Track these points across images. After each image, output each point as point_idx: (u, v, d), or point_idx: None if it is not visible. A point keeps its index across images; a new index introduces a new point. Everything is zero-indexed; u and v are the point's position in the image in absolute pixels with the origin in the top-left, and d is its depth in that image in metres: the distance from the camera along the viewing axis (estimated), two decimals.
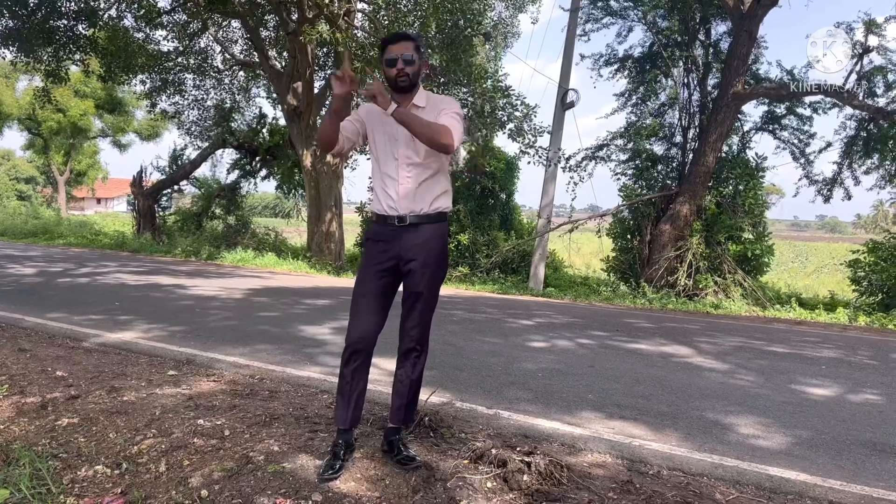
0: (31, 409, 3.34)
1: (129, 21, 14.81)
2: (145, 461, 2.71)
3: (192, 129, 18.75)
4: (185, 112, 18.19)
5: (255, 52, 16.16)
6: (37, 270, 10.87)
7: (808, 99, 12.88)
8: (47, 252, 15.36)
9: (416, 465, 2.76)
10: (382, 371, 4.52)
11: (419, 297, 2.77)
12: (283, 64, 16.04)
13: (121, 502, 2.34)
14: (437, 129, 2.57)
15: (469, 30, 12.76)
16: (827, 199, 13.73)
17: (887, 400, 4.64)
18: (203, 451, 2.83)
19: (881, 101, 12.16)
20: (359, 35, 12.65)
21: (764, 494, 2.84)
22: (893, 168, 13.23)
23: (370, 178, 2.90)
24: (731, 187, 12.90)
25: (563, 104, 13.12)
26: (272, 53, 16.30)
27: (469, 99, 13.29)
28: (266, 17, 15.17)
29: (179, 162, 20.19)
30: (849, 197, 13.55)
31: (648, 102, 14.44)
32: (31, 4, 12.44)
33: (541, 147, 13.39)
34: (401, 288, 2.84)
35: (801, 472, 3.09)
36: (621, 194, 13.92)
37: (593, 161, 14.53)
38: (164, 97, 17.33)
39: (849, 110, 12.78)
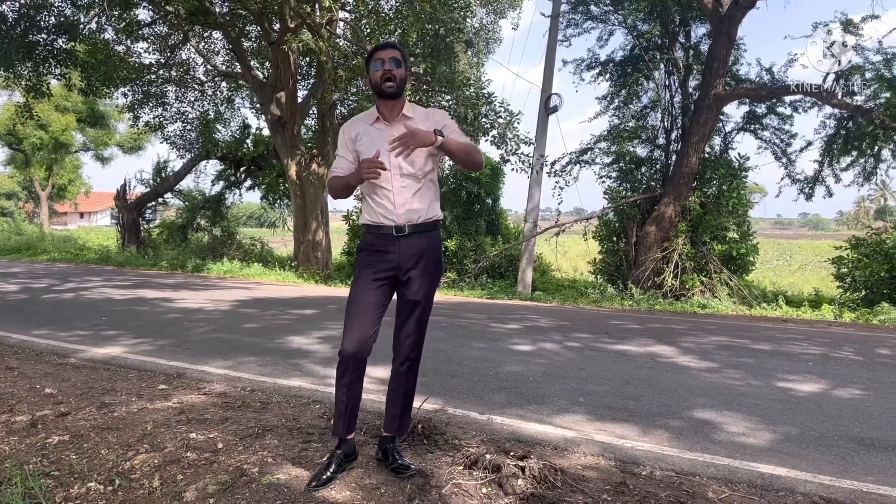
0: (20, 428, 3.31)
1: (109, 34, 14.77)
2: (138, 477, 2.69)
3: (176, 141, 18.64)
4: (168, 124, 18.08)
5: (237, 63, 16.12)
6: (21, 287, 10.75)
7: (787, 98, 13.05)
8: (31, 268, 15.20)
9: (412, 473, 2.76)
10: (374, 379, 4.52)
11: (417, 305, 2.76)
12: (266, 74, 16.01)
13: None
14: (473, 149, 2.73)
15: (450, 38, 12.81)
16: (809, 198, 13.90)
17: (874, 395, 4.70)
18: (197, 465, 2.82)
19: (859, 100, 12.34)
20: (341, 44, 12.67)
21: (755, 492, 2.87)
22: (871, 165, 13.43)
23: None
24: (714, 188, 13.01)
25: (547, 109, 13.20)
26: (254, 64, 16.26)
27: (452, 106, 13.33)
28: (248, 28, 15.15)
29: (163, 174, 20.12)
30: (830, 195, 13.74)
31: (631, 105, 14.53)
32: (10, 19, 12.36)
33: (523, 154, 13.41)
34: (394, 297, 2.84)
35: (792, 469, 3.13)
36: (606, 197, 14.01)
37: (578, 164, 14.61)
38: (146, 110, 17.21)
39: (828, 109, 12.94)
